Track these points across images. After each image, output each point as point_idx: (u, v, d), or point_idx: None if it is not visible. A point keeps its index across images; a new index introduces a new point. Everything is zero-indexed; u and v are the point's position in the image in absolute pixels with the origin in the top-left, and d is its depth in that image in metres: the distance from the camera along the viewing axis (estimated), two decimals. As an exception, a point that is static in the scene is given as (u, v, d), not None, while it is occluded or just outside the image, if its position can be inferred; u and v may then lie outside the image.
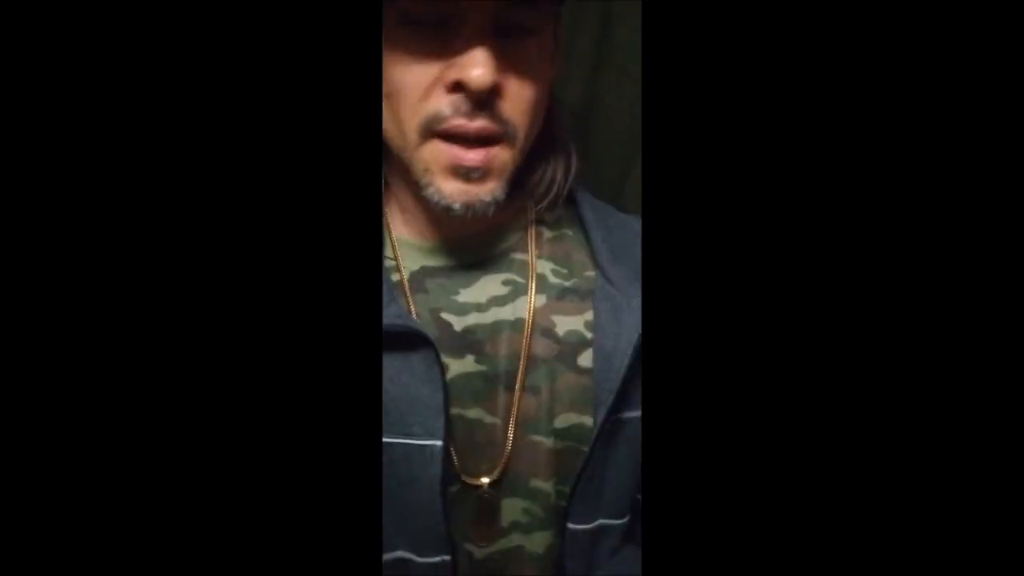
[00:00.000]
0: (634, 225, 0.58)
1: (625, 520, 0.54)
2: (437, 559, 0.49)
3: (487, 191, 0.47)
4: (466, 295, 0.52)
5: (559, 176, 0.53)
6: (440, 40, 0.43)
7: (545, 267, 0.54)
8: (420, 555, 0.49)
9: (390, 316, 0.48)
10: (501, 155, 0.47)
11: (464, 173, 0.46)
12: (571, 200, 0.56)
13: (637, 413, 0.51)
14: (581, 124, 0.96)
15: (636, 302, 0.51)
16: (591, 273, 0.54)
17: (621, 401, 0.50)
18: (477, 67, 0.42)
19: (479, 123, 0.45)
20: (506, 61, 0.43)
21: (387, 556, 0.50)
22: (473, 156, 0.46)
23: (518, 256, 0.54)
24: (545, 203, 0.53)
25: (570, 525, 0.51)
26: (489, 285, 0.53)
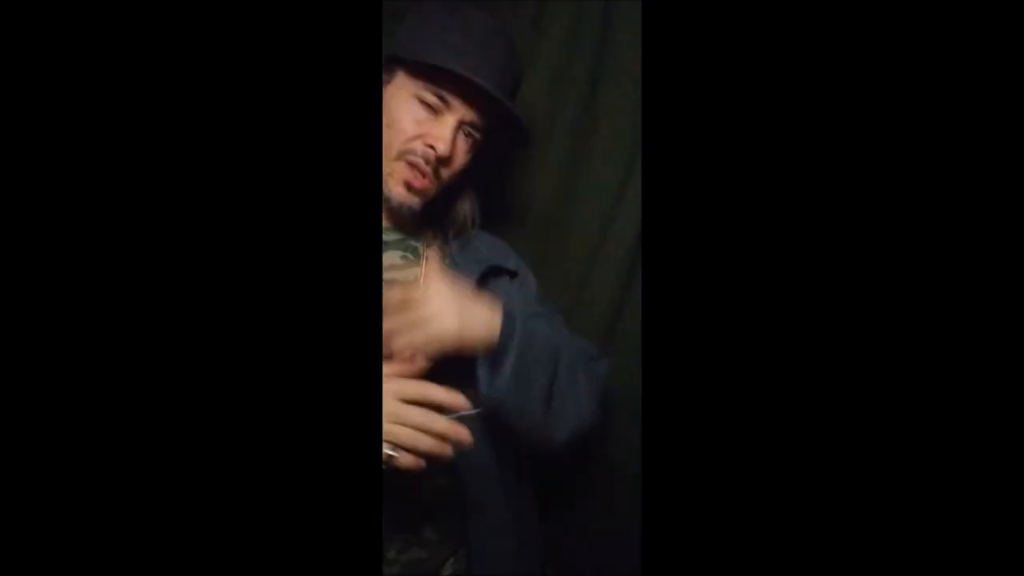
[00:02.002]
0: (485, 241, 0.94)
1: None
2: None
3: (413, 203, 0.82)
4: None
5: (460, 222, 0.91)
6: (431, 118, 0.80)
7: (429, 252, 0.89)
8: None
9: None
10: (428, 190, 0.82)
11: (409, 187, 0.81)
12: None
13: None
14: (581, 125, 0.96)
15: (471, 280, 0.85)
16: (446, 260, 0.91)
17: None
18: (442, 143, 0.79)
19: (428, 168, 0.80)
20: (456, 146, 0.81)
21: None
22: (418, 181, 0.81)
23: (412, 243, 0.88)
24: (441, 227, 0.92)
25: None
26: (392, 257, 0.87)
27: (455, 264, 0.87)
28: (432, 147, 0.78)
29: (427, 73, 0.78)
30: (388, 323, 0.68)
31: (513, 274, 0.90)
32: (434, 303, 0.70)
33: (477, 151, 0.84)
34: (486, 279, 0.87)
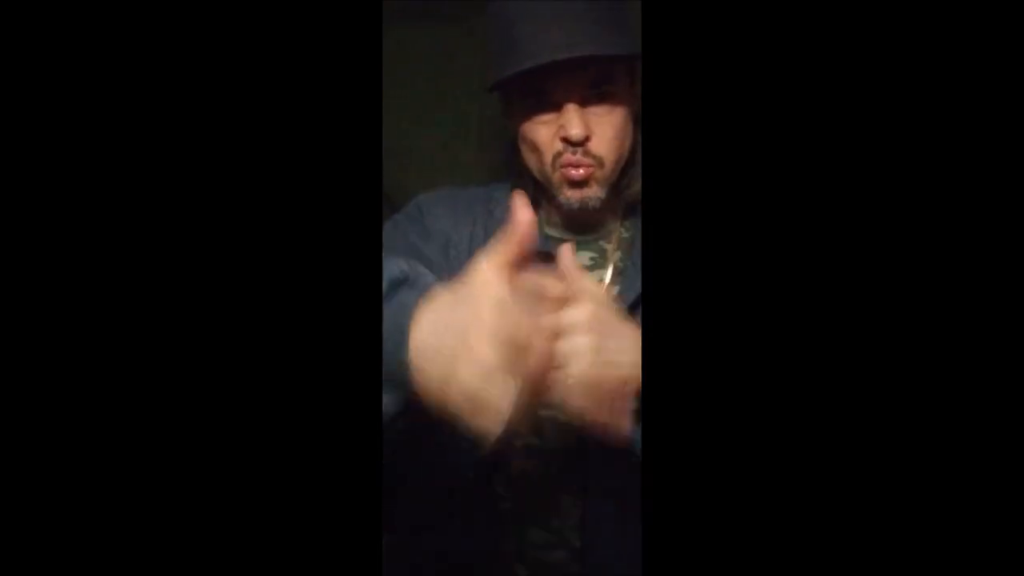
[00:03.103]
0: None
1: None
2: None
3: (591, 194, 0.81)
4: None
5: (632, 198, 0.87)
6: (556, 115, 0.79)
7: (615, 255, 0.87)
8: None
9: (547, 247, 0.79)
10: (596, 173, 0.80)
11: (574, 183, 0.80)
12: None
13: None
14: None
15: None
16: (630, 262, 0.86)
17: None
18: (573, 128, 0.77)
19: (578, 157, 0.79)
20: (592, 120, 0.78)
21: None
22: (576, 172, 0.80)
23: (601, 244, 0.88)
24: (624, 216, 0.89)
25: None
26: (583, 258, 0.86)
27: (633, 263, 0.84)
28: (566, 139, 0.78)
29: (515, 84, 0.78)
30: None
31: None
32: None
33: (626, 101, 0.81)
34: None
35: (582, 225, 0.88)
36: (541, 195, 0.88)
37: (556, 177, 0.81)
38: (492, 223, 0.86)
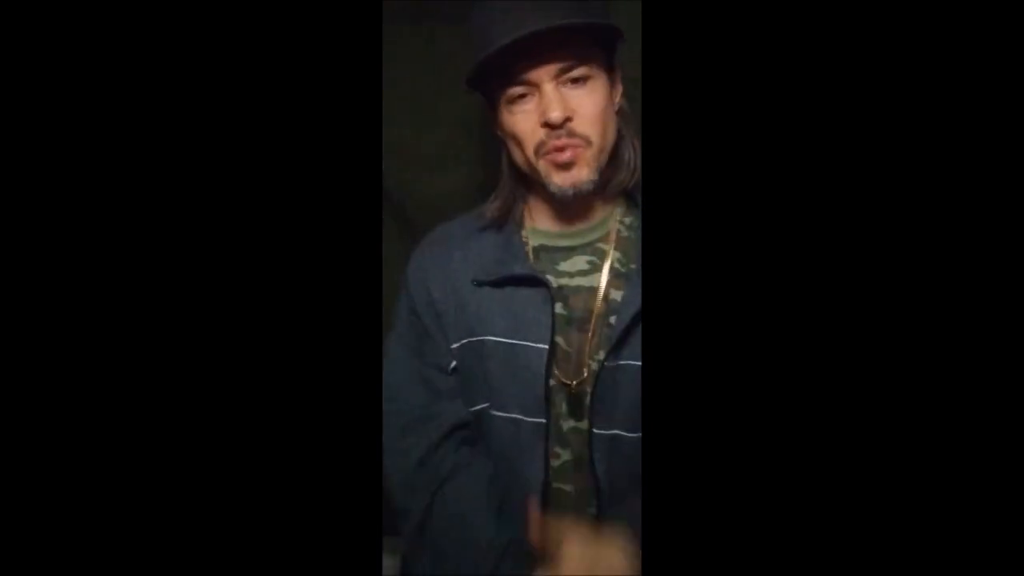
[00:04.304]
0: None
1: (637, 435, 0.79)
2: (538, 420, 0.81)
3: (581, 176, 0.79)
4: (564, 266, 0.86)
5: (623, 181, 0.85)
6: (533, 102, 0.78)
7: (615, 256, 0.85)
8: (527, 416, 0.82)
9: (526, 269, 0.84)
10: (583, 152, 0.78)
11: (562, 165, 0.78)
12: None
13: (632, 362, 0.80)
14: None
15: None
16: (634, 265, 0.85)
17: (620, 349, 0.81)
18: (552, 111, 0.76)
19: (563, 140, 0.77)
20: (571, 101, 0.77)
21: (503, 414, 0.83)
22: (562, 155, 0.78)
23: (600, 246, 0.86)
24: (618, 200, 0.88)
25: (595, 430, 0.81)
26: (579, 262, 0.85)
27: (636, 269, 0.82)
28: (547, 123, 0.76)
29: (494, 76, 0.77)
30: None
31: None
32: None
33: (605, 88, 0.80)
34: None
35: (574, 217, 0.86)
36: (529, 192, 0.87)
37: (543, 165, 0.79)
38: (468, 267, 0.86)
